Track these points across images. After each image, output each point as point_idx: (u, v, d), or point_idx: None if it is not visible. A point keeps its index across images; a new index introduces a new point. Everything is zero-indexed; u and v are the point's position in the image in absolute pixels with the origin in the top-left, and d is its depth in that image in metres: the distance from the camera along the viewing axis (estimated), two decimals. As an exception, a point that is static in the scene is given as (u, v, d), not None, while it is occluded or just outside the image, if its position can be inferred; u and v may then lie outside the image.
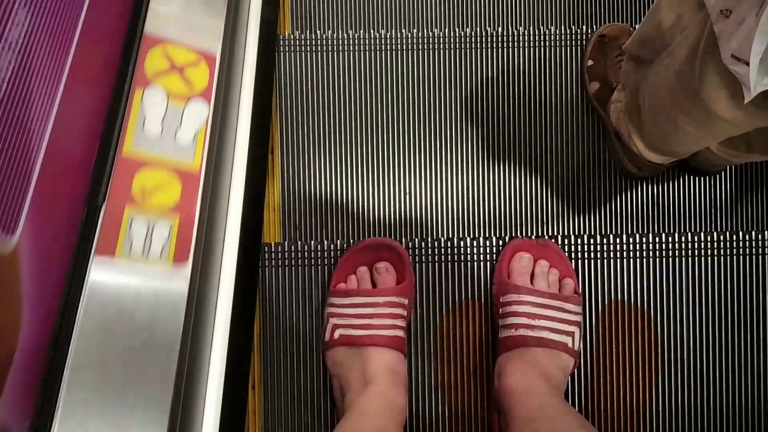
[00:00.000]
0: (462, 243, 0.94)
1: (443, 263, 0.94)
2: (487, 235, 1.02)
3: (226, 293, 0.83)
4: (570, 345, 0.85)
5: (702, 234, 0.94)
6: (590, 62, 1.06)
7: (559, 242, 0.94)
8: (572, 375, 0.91)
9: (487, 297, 0.93)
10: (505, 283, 0.89)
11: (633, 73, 0.87)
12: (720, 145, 0.90)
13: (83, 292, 0.63)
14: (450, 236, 0.96)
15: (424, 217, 1.05)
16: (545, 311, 0.85)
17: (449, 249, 0.94)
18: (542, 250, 0.91)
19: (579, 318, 0.88)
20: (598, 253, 0.94)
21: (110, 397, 0.61)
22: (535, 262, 0.91)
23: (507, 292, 0.88)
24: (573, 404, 0.92)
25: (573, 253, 0.94)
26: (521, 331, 0.84)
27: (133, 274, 0.66)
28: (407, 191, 1.05)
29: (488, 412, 0.91)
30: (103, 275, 0.65)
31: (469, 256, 0.94)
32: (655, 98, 0.79)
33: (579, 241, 0.94)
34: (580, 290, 0.93)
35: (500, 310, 0.88)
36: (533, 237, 0.94)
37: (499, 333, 0.88)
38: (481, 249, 0.94)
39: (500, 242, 0.94)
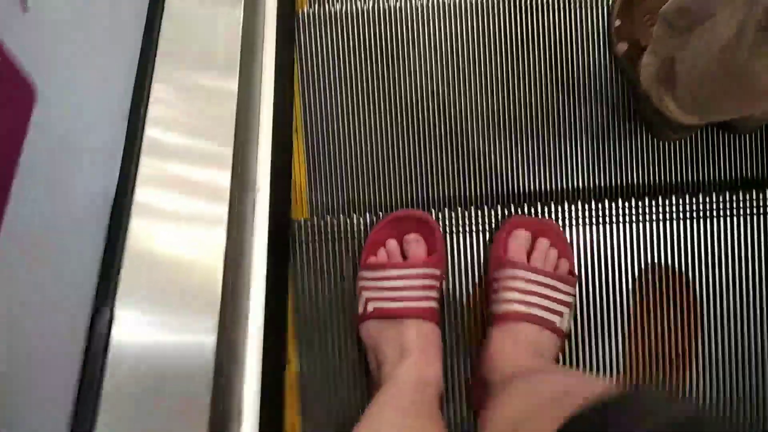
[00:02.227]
0: (492, 213, 0.93)
1: (473, 233, 0.93)
2: (518, 204, 1.00)
3: (259, 270, 0.83)
4: (558, 324, 0.85)
5: (740, 192, 0.91)
6: (617, 22, 1.03)
7: (593, 206, 0.92)
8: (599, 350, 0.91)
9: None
10: (500, 258, 0.88)
11: (666, 39, 0.84)
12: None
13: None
14: (479, 206, 0.95)
15: (454, 188, 1.03)
16: (538, 288, 0.85)
17: (478, 218, 0.93)
18: (541, 228, 0.90)
19: (572, 299, 0.87)
20: (634, 217, 0.92)
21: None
22: (533, 240, 0.90)
23: (502, 268, 0.87)
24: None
25: (602, 218, 0.92)
26: (513, 306, 0.84)
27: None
28: (435, 162, 1.04)
29: (471, 383, 0.91)
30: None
31: (500, 225, 0.93)
32: (694, 72, 0.76)
33: (613, 205, 0.92)
34: (611, 259, 0.91)
35: (494, 285, 0.88)
36: (546, 211, 0.93)
37: (490, 307, 0.88)
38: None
39: (531, 209, 0.93)
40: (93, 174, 0.63)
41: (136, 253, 0.63)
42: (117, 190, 0.64)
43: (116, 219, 0.63)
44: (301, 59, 1.07)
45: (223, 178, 0.69)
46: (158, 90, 0.71)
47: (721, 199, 0.92)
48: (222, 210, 0.66)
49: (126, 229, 0.63)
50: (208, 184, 0.69)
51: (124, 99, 0.69)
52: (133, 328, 0.61)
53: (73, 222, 0.59)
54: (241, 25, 0.80)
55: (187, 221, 0.68)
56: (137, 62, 0.72)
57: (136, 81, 0.72)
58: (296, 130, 1.06)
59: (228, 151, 0.70)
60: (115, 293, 0.61)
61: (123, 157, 0.66)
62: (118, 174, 0.65)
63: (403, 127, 1.05)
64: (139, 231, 0.64)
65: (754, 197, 0.92)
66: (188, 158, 0.70)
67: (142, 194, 0.65)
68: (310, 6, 1.09)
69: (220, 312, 0.62)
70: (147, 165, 0.67)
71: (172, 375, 0.61)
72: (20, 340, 0.49)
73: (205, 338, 0.61)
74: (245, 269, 0.78)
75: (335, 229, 0.95)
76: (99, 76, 0.66)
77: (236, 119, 0.73)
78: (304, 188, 1.05)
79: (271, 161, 0.87)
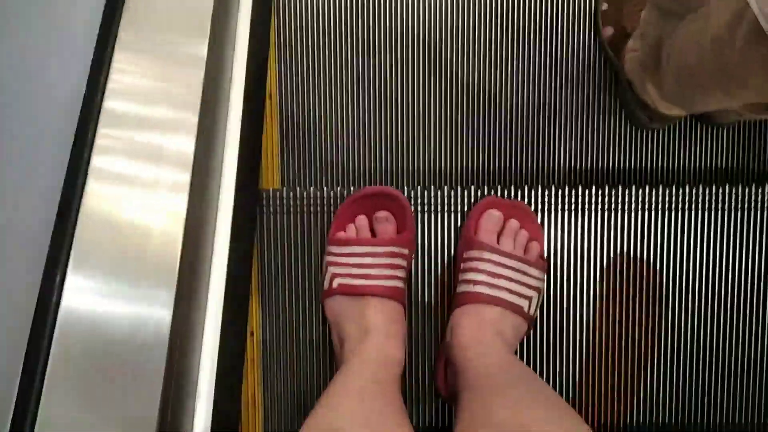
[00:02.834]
0: (465, 193, 0.92)
1: (446, 213, 0.92)
2: (492, 185, 0.99)
3: (223, 239, 0.81)
4: (526, 309, 0.84)
5: (713, 186, 0.91)
6: (605, 6, 1.01)
7: (567, 194, 0.92)
8: (566, 333, 0.91)
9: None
10: (470, 239, 0.87)
11: (656, 24, 0.82)
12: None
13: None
14: (453, 186, 0.93)
15: (427, 166, 1.02)
16: (506, 271, 0.84)
17: (452, 199, 0.92)
18: (514, 210, 0.89)
19: (540, 284, 0.87)
20: (606, 206, 0.92)
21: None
22: (505, 221, 0.89)
23: (471, 248, 0.86)
24: (564, 373, 0.91)
25: (576, 206, 0.92)
26: (479, 288, 0.83)
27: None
28: (410, 138, 1.02)
29: (435, 363, 0.91)
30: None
31: (472, 206, 0.91)
32: (682, 61, 0.74)
33: (586, 192, 0.92)
34: (590, 247, 0.91)
35: (462, 264, 0.87)
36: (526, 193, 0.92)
37: (457, 287, 0.87)
38: (485, 199, 0.91)
39: (505, 192, 0.92)
40: (48, 137, 0.60)
41: (91, 218, 0.61)
42: (72, 153, 0.61)
43: (71, 183, 0.60)
44: (278, 24, 1.03)
45: (186, 144, 0.67)
46: (122, 52, 0.68)
47: (695, 193, 0.92)
48: (184, 177, 0.64)
49: (81, 193, 0.60)
50: (171, 149, 0.66)
51: (83, 59, 0.66)
52: (84, 296, 0.59)
53: (25, 183, 0.56)
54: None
55: (148, 187, 0.65)
56: (99, 21, 0.69)
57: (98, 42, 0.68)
58: (270, 96, 1.03)
59: (193, 117, 0.67)
60: (68, 258, 0.59)
61: (79, 122, 0.63)
62: (73, 139, 0.62)
63: (380, 101, 1.03)
64: (95, 195, 0.61)
65: (729, 192, 0.92)
66: (150, 123, 0.67)
67: (99, 159, 0.62)
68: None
69: (178, 282, 0.60)
70: (105, 132, 0.63)
71: (125, 346, 0.59)
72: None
73: (161, 311, 0.60)
74: (208, 237, 0.76)
75: (305, 200, 0.93)
76: (58, 36, 0.62)
77: (204, 84, 0.70)
78: (276, 156, 1.02)
79: (241, 128, 0.85)
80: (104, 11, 0.70)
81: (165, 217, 0.64)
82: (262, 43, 0.99)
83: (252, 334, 0.92)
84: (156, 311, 0.58)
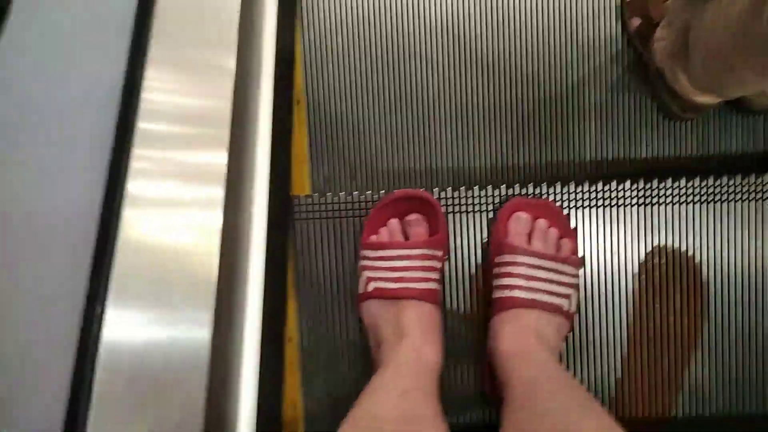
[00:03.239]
0: (496, 192, 0.92)
1: (477, 213, 0.92)
2: (523, 184, 0.98)
3: (258, 248, 0.82)
4: (565, 308, 0.83)
5: (754, 176, 0.89)
6: (631, -4, 0.99)
7: (601, 189, 0.91)
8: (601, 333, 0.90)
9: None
10: (501, 242, 0.87)
11: (682, 10, 0.81)
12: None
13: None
14: (483, 185, 0.93)
15: (458, 168, 1.02)
16: (541, 273, 0.83)
17: (482, 198, 0.92)
18: (542, 209, 0.88)
19: (576, 280, 0.86)
20: (642, 200, 0.91)
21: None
22: (533, 221, 0.88)
23: (503, 252, 0.86)
24: (604, 368, 0.91)
25: (612, 200, 0.91)
26: (515, 293, 0.82)
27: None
28: (439, 140, 1.02)
29: (481, 372, 0.91)
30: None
31: (504, 205, 0.91)
32: (710, 41, 0.73)
33: (617, 187, 0.90)
34: (624, 242, 0.90)
35: (495, 270, 0.86)
36: (548, 194, 0.91)
37: (493, 293, 0.86)
38: (516, 197, 0.91)
39: (537, 189, 0.91)
40: (83, 162, 0.61)
41: (129, 246, 0.62)
42: (108, 179, 0.62)
43: (108, 210, 0.61)
44: (304, 29, 1.04)
45: (219, 161, 0.67)
46: (153, 66, 0.69)
47: (732, 183, 0.90)
48: (218, 194, 0.65)
49: (118, 220, 0.61)
50: (204, 167, 0.67)
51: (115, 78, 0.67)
52: (125, 327, 0.60)
53: (63, 213, 0.57)
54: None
55: (182, 207, 0.66)
56: (129, 39, 0.70)
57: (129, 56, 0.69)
58: (298, 102, 1.04)
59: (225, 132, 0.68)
60: (107, 288, 0.60)
61: (113, 146, 0.64)
62: (108, 163, 0.63)
63: (407, 104, 1.03)
64: (132, 222, 0.62)
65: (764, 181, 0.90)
66: (183, 142, 0.68)
67: (134, 184, 0.63)
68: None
69: (216, 304, 0.61)
70: (139, 154, 0.64)
71: (166, 371, 0.60)
72: (10, 338, 0.48)
73: (200, 332, 0.60)
74: (244, 250, 0.77)
75: (336, 206, 0.94)
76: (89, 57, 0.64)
77: (234, 96, 0.71)
78: (306, 162, 1.03)
79: (271, 137, 0.85)
80: (134, 23, 0.71)
81: (201, 237, 0.65)
82: (289, 49, 1.00)
83: (290, 339, 0.94)
84: (196, 333, 0.59)
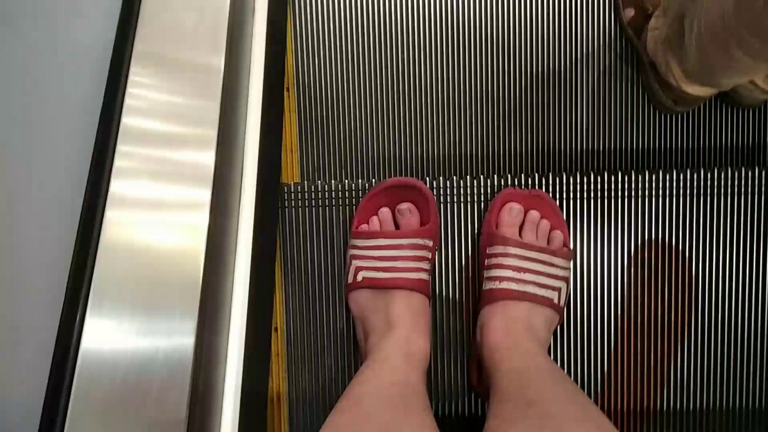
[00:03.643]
0: (489, 182, 0.91)
1: (468, 203, 0.91)
2: (514, 174, 0.98)
3: (246, 235, 0.81)
4: (555, 301, 0.83)
5: (743, 170, 0.89)
6: (625, -13, 0.99)
7: (591, 181, 0.90)
8: (590, 328, 0.90)
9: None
10: (492, 234, 0.86)
11: (678, -3, 0.80)
12: (766, 77, 0.85)
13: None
14: (476, 175, 0.92)
15: (450, 156, 1.01)
16: (532, 264, 0.83)
17: (475, 189, 0.91)
18: (533, 201, 0.88)
19: (567, 273, 0.86)
20: (632, 192, 0.90)
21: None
22: (525, 213, 0.87)
23: (494, 243, 0.85)
24: (593, 361, 0.91)
25: (603, 193, 0.90)
26: (505, 284, 0.82)
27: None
28: (432, 128, 1.01)
29: (467, 363, 0.90)
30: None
31: (495, 195, 0.90)
32: (707, 23, 0.73)
33: (610, 179, 0.90)
34: (610, 234, 0.90)
35: (486, 261, 0.86)
36: (540, 185, 0.91)
37: (483, 285, 0.86)
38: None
39: (528, 180, 0.91)
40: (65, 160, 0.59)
41: (110, 247, 0.59)
42: (89, 178, 0.60)
43: (89, 212, 0.59)
44: (294, 16, 1.02)
45: (207, 157, 0.65)
46: (139, 63, 0.66)
47: (722, 176, 0.90)
48: (205, 193, 0.63)
49: (100, 222, 0.59)
50: (191, 165, 0.65)
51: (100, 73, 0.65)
52: (105, 331, 0.58)
53: (42, 217, 0.55)
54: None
55: (166, 209, 0.64)
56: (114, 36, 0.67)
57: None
58: (288, 89, 1.02)
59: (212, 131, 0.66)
60: (88, 290, 0.58)
61: (96, 142, 0.61)
62: (90, 160, 0.60)
63: (399, 91, 1.01)
64: (114, 224, 0.60)
65: (759, 175, 0.90)
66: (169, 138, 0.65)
67: (118, 183, 0.60)
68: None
69: (200, 308, 0.59)
70: (124, 150, 0.62)
71: (147, 379, 0.57)
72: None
73: (183, 340, 0.58)
74: (230, 248, 0.76)
75: (326, 193, 0.92)
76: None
77: (223, 89, 0.69)
78: (295, 148, 1.01)
79: (260, 129, 0.83)
80: (119, 23, 0.69)
81: (186, 237, 0.63)
82: (279, 35, 0.98)
83: (276, 329, 0.92)
84: (179, 340, 0.57)
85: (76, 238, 0.59)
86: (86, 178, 0.61)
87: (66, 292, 0.57)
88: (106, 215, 0.60)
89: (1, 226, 0.54)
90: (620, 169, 0.99)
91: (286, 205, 0.93)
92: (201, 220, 0.62)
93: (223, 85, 0.71)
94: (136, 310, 0.58)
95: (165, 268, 0.60)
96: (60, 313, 0.56)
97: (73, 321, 0.56)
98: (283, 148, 1.01)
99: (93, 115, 0.64)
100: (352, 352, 0.92)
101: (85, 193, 0.61)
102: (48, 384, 0.54)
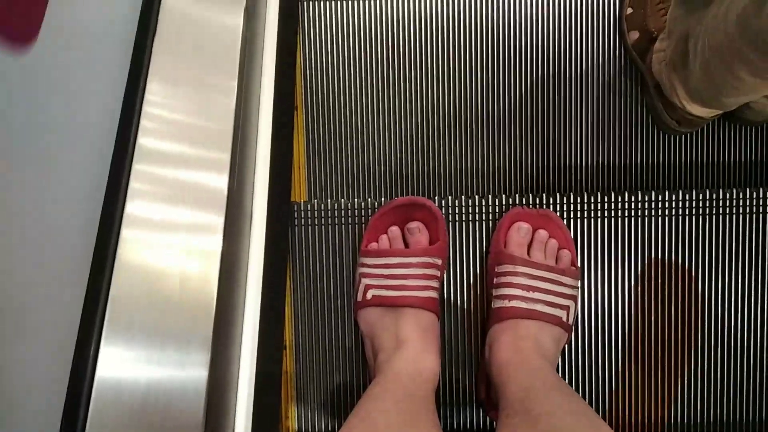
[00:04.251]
0: (497, 201, 0.92)
1: (477, 222, 0.92)
2: (523, 193, 0.99)
3: (257, 254, 0.81)
4: (564, 319, 0.83)
5: (748, 190, 0.90)
6: (629, 10, 1.00)
7: (599, 200, 0.91)
8: (595, 347, 0.90)
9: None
10: (501, 252, 0.87)
11: (683, 19, 0.82)
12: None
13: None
14: (484, 194, 0.93)
15: (458, 175, 1.02)
16: (540, 283, 0.83)
17: (483, 208, 0.92)
18: (541, 220, 0.89)
19: (575, 292, 0.86)
20: (638, 212, 0.91)
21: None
22: (533, 232, 0.88)
23: (502, 262, 0.86)
24: (600, 378, 0.91)
25: (606, 212, 0.91)
26: (514, 303, 0.82)
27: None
28: (440, 147, 1.02)
29: (476, 380, 0.91)
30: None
31: (503, 215, 0.91)
32: (711, 44, 0.74)
33: (617, 198, 0.91)
34: (617, 253, 0.90)
35: (494, 280, 0.86)
36: (550, 204, 0.92)
37: (492, 303, 0.86)
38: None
39: (537, 200, 0.92)
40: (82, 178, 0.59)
41: (125, 271, 0.60)
42: (105, 200, 0.60)
43: (104, 236, 0.59)
44: (303, 36, 1.04)
45: (221, 183, 0.66)
46: (153, 83, 0.67)
47: (728, 196, 0.91)
48: (219, 217, 0.63)
49: (115, 248, 0.59)
50: (205, 187, 0.66)
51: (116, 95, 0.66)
52: (120, 360, 0.58)
53: (60, 231, 0.56)
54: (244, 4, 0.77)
55: (182, 230, 0.64)
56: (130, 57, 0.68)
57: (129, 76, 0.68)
58: (297, 108, 1.03)
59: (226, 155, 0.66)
60: (104, 313, 0.58)
61: (112, 163, 0.62)
62: (106, 182, 0.61)
63: (407, 110, 1.03)
64: (130, 249, 0.60)
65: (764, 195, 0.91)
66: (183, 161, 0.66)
67: (133, 205, 0.61)
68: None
69: (213, 334, 0.59)
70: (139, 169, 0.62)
71: (163, 405, 0.58)
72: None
73: (196, 371, 0.59)
74: (242, 267, 0.76)
75: (335, 212, 0.93)
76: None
77: (235, 113, 0.70)
78: (303, 167, 1.03)
79: (271, 152, 0.84)
80: (135, 43, 0.70)
81: (200, 261, 0.63)
82: (289, 57, 1.00)
83: (285, 347, 0.93)
84: (193, 372, 0.58)
85: (92, 261, 0.59)
86: (102, 201, 0.62)
87: (83, 311, 0.58)
88: (122, 234, 0.60)
89: (15, 245, 0.55)
90: (627, 188, 1.00)
91: (296, 223, 0.93)
92: (214, 243, 0.62)
93: (236, 105, 0.72)
94: (152, 335, 0.58)
95: (179, 293, 0.60)
96: (75, 339, 0.56)
97: (89, 347, 0.56)
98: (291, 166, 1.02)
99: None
100: (361, 370, 0.92)
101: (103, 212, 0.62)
102: (64, 411, 0.54)
